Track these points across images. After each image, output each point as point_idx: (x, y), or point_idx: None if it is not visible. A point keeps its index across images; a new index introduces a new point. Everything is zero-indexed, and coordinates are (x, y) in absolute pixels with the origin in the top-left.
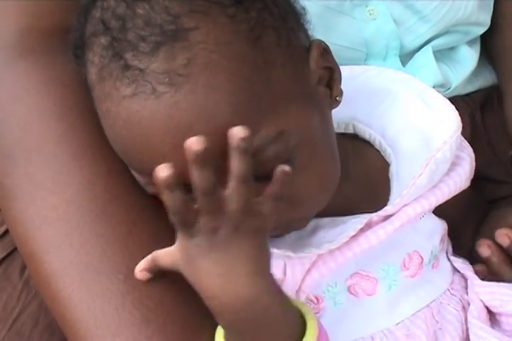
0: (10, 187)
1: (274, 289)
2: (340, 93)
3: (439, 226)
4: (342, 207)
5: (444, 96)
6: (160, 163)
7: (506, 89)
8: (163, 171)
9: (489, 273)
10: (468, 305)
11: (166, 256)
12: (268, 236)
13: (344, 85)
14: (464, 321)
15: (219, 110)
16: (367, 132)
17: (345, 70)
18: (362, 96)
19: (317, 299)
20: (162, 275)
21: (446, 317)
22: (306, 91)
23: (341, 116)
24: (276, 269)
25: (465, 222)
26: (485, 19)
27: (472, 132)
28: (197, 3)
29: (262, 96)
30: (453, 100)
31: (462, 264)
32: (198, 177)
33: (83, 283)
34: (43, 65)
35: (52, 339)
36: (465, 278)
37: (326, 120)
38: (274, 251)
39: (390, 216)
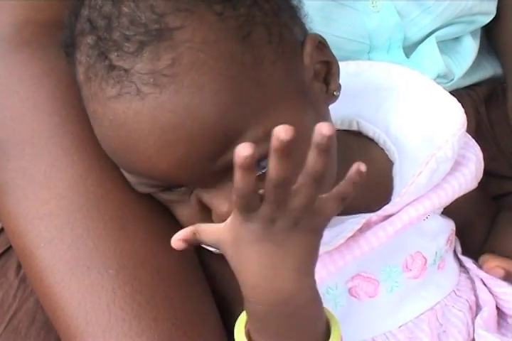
0: (3, 182)
1: (315, 289)
2: (338, 88)
3: (446, 227)
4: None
5: (448, 89)
6: (146, 165)
7: (511, 84)
8: (245, 150)
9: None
10: (476, 306)
11: (212, 232)
12: (322, 236)
13: (349, 81)
14: (469, 323)
15: (204, 111)
16: (371, 130)
17: (351, 66)
18: (367, 93)
19: None
20: (154, 269)
21: (450, 319)
22: (299, 88)
23: (345, 112)
24: None
25: (475, 222)
26: (489, 8)
27: (477, 126)
28: (183, 1)
29: (250, 96)
30: (457, 94)
31: (473, 264)
32: (275, 166)
33: (74, 278)
34: (38, 58)
35: (49, 336)
36: (471, 279)
37: (322, 116)
38: None
39: (391, 216)
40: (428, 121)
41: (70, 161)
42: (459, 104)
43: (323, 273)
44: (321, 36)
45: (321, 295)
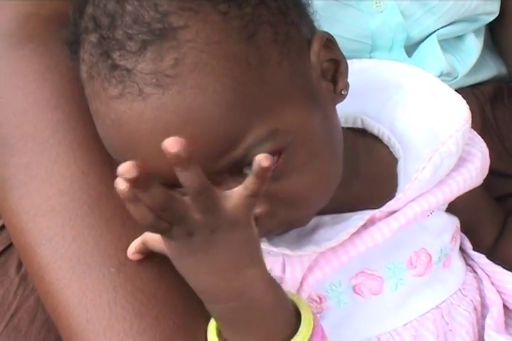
0: (5, 177)
1: (266, 280)
2: (346, 87)
3: (450, 224)
4: (347, 204)
5: (452, 87)
6: (148, 164)
7: None
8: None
9: None
10: (481, 306)
11: (157, 242)
12: (250, 228)
13: (354, 79)
14: (475, 323)
15: (207, 111)
16: (375, 127)
17: (354, 64)
18: (371, 91)
19: (320, 298)
20: (156, 267)
21: (456, 318)
22: (305, 87)
23: (350, 110)
24: (276, 267)
25: (481, 219)
26: (493, 8)
27: (482, 125)
28: (187, 0)
29: (254, 96)
30: (462, 92)
31: (486, 259)
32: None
33: (75, 276)
34: (41, 53)
35: (49, 335)
36: (478, 279)
37: (329, 116)
38: (272, 250)
39: (395, 212)
40: (432, 118)
41: (72, 157)
42: (464, 100)
43: (327, 270)
44: (329, 34)
45: (324, 292)
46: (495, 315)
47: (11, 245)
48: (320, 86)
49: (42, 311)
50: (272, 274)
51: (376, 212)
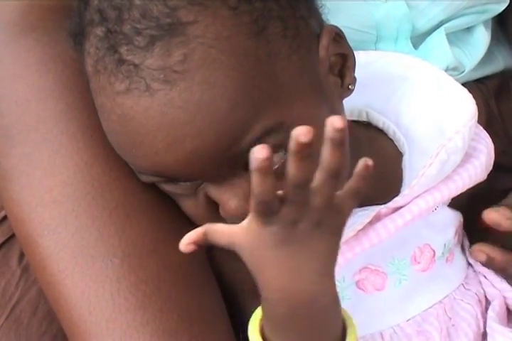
0: (7, 168)
1: (335, 291)
2: (354, 81)
3: (454, 219)
4: None
5: (458, 81)
6: (153, 160)
7: None
8: (261, 152)
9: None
10: (485, 299)
11: (226, 233)
12: (341, 237)
13: (359, 71)
14: (479, 316)
15: (215, 107)
16: (380, 120)
17: (360, 56)
18: (377, 83)
19: None
20: (160, 259)
21: (459, 313)
22: (313, 81)
23: (355, 103)
24: None
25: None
26: None
27: (487, 120)
28: None
29: (263, 90)
30: (467, 87)
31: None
32: (295, 168)
33: (77, 267)
34: (44, 43)
35: (51, 327)
36: (478, 273)
37: (336, 110)
38: None
39: (400, 208)
40: (438, 112)
41: (75, 148)
42: (470, 95)
43: None
44: (337, 28)
45: None
46: (497, 308)
47: (12, 236)
48: (327, 80)
49: (44, 303)
50: None
51: (382, 209)
